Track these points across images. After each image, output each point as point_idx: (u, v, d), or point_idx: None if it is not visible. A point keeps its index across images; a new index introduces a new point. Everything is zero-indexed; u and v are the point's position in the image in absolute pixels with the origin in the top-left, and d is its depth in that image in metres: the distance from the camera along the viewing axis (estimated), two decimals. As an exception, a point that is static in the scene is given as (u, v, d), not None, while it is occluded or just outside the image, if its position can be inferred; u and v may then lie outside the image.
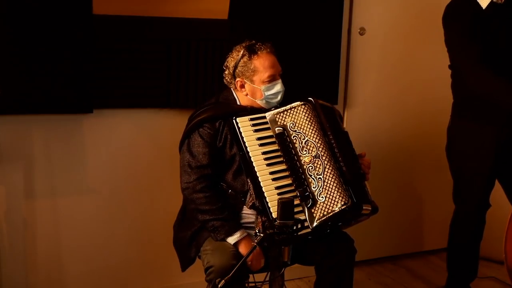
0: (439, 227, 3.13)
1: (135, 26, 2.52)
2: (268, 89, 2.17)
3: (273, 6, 2.74)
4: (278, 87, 2.18)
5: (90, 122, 2.53)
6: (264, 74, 2.15)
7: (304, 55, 2.85)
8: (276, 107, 2.18)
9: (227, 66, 2.22)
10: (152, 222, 2.71)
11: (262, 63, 2.16)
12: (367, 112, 3.09)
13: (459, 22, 2.40)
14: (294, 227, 1.67)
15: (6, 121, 2.39)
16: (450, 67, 2.55)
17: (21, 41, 2.31)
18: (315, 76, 2.88)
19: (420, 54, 3.15)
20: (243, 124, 2.11)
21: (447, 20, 2.45)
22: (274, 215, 1.97)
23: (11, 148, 2.42)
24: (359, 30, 3.00)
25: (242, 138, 2.08)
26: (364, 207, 2.05)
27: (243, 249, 2.07)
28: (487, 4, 2.37)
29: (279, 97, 2.19)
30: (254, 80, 2.17)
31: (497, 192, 2.59)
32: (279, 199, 1.68)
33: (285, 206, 1.68)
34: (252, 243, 1.79)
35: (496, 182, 2.58)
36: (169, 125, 2.62)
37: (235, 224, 2.11)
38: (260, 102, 2.20)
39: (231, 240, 2.07)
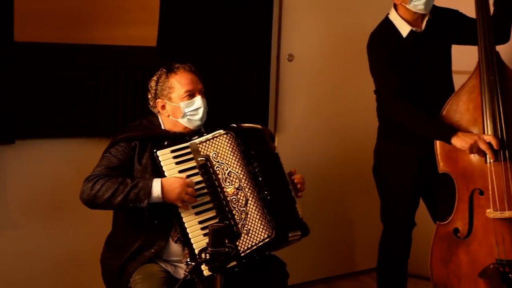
0: (370, 247, 3.19)
1: (60, 54, 2.47)
2: (187, 105, 2.13)
3: (201, 33, 2.76)
4: (198, 102, 2.13)
5: (12, 153, 2.44)
6: (181, 90, 2.12)
7: (234, 81, 2.87)
8: (199, 136, 2.12)
9: (150, 87, 2.20)
10: (80, 255, 2.62)
11: (178, 80, 2.14)
12: (297, 137, 3.14)
13: (381, 51, 2.48)
14: (226, 254, 1.66)
15: None
16: (375, 92, 2.65)
17: None
18: (245, 102, 2.90)
19: (347, 80, 3.25)
20: (164, 157, 2.04)
21: (371, 49, 2.54)
22: (197, 251, 1.92)
23: None
24: (287, 57, 3.07)
25: (163, 172, 2.03)
26: (290, 235, 2.05)
27: (171, 188, 1.97)
28: (407, 32, 2.48)
29: (200, 114, 2.14)
30: (172, 98, 2.14)
31: (422, 210, 2.70)
32: (210, 226, 1.66)
33: (216, 233, 1.67)
34: (184, 272, 1.76)
35: (421, 200, 2.68)
36: (98, 155, 2.54)
37: (145, 183, 1.99)
38: (182, 121, 2.15)
39: (156, 197, 1.97)
